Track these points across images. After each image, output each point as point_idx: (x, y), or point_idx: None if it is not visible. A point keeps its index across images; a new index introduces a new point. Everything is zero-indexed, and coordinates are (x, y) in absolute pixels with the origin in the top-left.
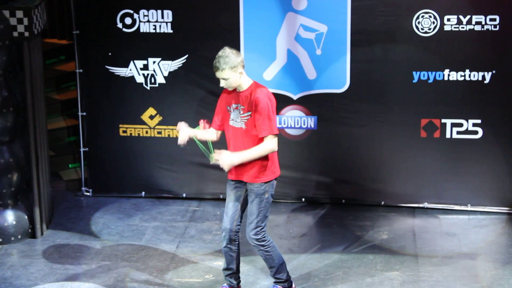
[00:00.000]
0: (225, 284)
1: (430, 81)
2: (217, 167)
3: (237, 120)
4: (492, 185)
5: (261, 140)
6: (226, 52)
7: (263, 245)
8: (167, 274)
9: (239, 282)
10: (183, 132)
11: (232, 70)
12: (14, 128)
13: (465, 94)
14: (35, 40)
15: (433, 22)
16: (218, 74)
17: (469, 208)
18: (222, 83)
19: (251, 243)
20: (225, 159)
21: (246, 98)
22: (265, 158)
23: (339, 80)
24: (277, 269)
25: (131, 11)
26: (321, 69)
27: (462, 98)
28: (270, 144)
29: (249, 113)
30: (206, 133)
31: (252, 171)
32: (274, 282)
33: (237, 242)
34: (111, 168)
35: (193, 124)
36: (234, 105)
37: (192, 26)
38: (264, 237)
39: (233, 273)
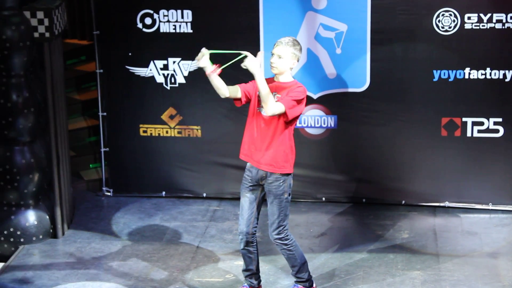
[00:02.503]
0: (245, 284)
1: (451, 79)
2: (237, 167)
3: None
4: None
5: (283, 135)
6: (296, 41)
7: (285, 244)
8: (188, 273)
9: (259, 282)
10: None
11: (291, 54)
12: (35, 129)
13: (486, 93)
14: (55, 41)
15: (454, 21)
16: (277, 49)
17: (490, 207)
18: (273, 59)
19: (274, 242)
20: (253, 59)
21: (284, 89)
22: (287, 149)
23: (359, 79)
24: (299, 268)
25: (151, 11)
26: (341, 68)
27: (483, 96)
28: (276, 106)
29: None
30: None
31: (272, 160)
32: (295, 282)
33: (254, 244)
34: (132, 168)
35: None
36: None
37: (212, 26)
38: (287, 235)
39: (253, 273)
